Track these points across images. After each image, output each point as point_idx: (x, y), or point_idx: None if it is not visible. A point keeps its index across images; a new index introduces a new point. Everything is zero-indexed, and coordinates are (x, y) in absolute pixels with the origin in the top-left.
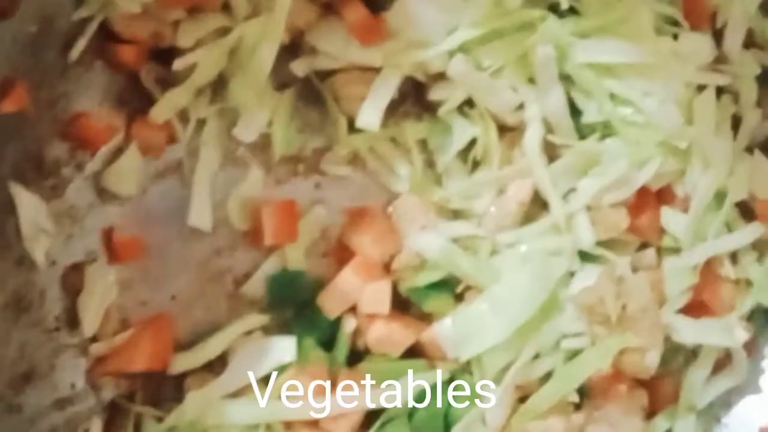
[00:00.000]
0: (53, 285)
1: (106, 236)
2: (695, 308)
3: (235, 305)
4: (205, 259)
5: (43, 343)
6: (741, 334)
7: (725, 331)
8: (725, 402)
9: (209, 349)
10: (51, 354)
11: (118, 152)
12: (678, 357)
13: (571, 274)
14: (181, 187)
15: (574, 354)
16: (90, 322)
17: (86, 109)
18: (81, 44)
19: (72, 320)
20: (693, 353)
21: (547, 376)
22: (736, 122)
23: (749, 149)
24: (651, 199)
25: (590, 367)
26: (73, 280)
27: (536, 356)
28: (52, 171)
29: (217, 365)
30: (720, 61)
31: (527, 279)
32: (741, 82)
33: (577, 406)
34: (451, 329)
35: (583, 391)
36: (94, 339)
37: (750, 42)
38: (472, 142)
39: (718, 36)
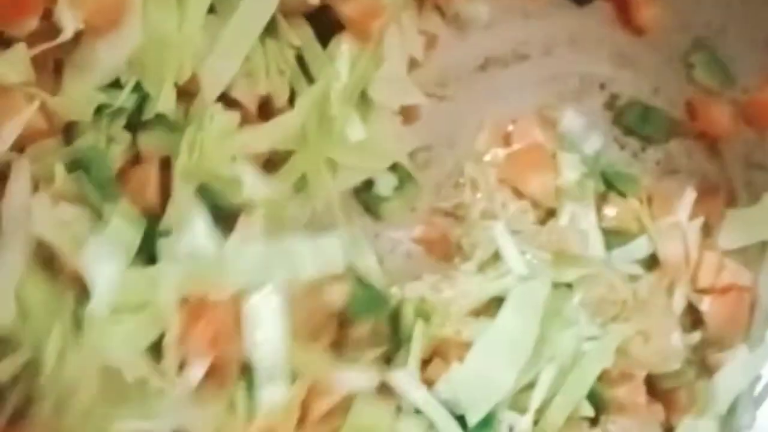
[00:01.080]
0: None
1: None
2: None
3: None
4: None
5: None
6: None
7: None
8: (747, 408)
9: None
10: None
11: None
12: (689, 370)
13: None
14: None
15: None
16: None
17: None
18: None
19: None
20: (704, 364)
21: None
22: None
23: None
24: None
25: (594, 368)
26: None
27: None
28: None
29: None
30: None
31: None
32: None
33: (593, 422)
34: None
35: (599, 407)
36: None
37: None
38: None
39: None
